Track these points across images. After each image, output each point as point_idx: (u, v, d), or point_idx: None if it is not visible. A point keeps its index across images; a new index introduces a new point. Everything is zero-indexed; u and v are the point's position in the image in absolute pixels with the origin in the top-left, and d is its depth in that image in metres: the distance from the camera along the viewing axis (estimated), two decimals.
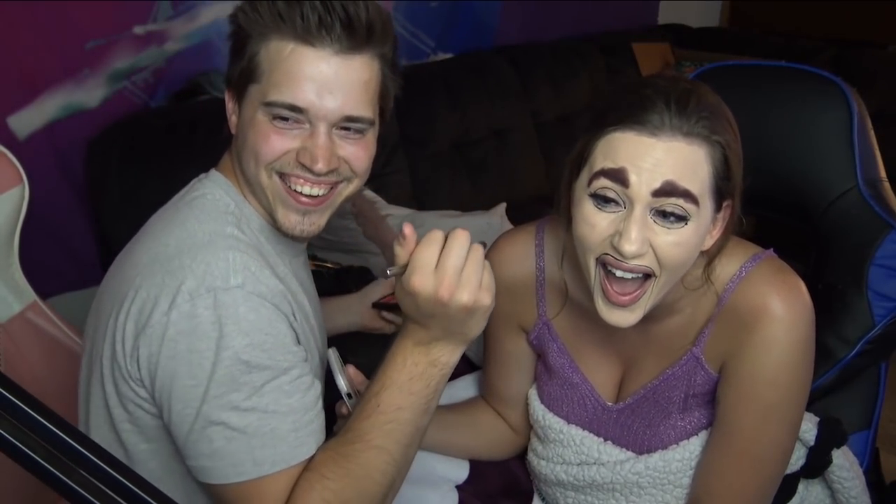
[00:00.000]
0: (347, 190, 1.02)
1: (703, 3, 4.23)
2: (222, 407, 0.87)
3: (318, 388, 0.95)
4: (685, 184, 0.89)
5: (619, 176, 0.89)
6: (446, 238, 0.91)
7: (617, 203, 0.90)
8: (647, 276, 0.92)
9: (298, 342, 0.95)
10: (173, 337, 0.87)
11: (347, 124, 0.97)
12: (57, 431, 0.51)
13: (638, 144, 0.89)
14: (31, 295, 1.48)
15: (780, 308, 0.95)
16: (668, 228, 0.90)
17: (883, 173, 1.23)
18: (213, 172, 1.05)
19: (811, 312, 0.97)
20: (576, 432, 1.11)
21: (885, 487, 1.26)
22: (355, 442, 0.90)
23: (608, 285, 0.93)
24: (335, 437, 0.93)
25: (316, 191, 0.98)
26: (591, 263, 0.94)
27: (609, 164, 0.90)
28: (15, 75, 1.97)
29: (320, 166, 0.94)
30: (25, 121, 2.01)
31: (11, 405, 0.50)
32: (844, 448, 1.10)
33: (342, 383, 0.97)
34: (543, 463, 1.16)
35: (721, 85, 1.29)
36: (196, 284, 0.88)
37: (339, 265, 2.01)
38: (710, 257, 0.98)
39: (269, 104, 0.94)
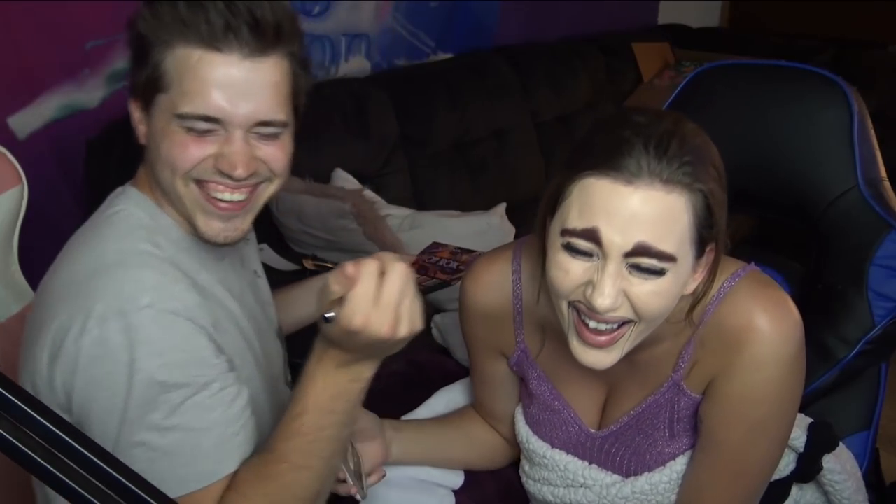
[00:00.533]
0: (269, 191, 0.99)
1: (703, 3, 4.23)
2: (142, 428, 0.86)
3: (244, 396, 0.93)
4: (660, 245, 0.84)
5: (591, 236, 0.85)
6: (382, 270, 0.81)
7: (590, 255, 0.87)
8: (626, 322, 0.89)
9: (222, 352, 0.93)
10: (86, 364, 0.86)
11: (261, 129, 0.94)
12: (56, 431, 0.51)
13: (612, 194, 0.84)
14: (30, 295, 1.48)
15: (766, 325, 0.91)
16: (645, 279, 0.86)
17: (883, 173, 1.22)
18: (128, 187, 1.05)
19: (799, 327, 0.93)
20: (560, 456, 1.09)
21: (884, 488, 1.26)
22: (279, 463, 0.88)
23: (582, 328, 0.90)
24: (258, 455, 0.91)
25: (237, 196, 0.96)
26: (564, 307, 0.91)
27: (581, 224, 0.85)
28: (15, 75, 1.97)
29: (240, 172, 0.92)
30: (25, 121, 2.01)
31: (11, 405, 0.50)
32: (840, 447, 1.10)
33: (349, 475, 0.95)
34: (531, 482, 1.15)
35: (720, 84, 1.30)
36: (105, 308, 0.87)
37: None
38: (695, 299, 0.94)
39: (181, 116, 0.91)
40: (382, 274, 0.79)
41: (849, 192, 1.18)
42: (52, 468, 0.50)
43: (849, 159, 1.18)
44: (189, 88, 0.90)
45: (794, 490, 1.09)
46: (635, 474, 1.04)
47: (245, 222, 0.99)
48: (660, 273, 0.85)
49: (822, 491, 1.10)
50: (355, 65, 2.68)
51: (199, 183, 0.95)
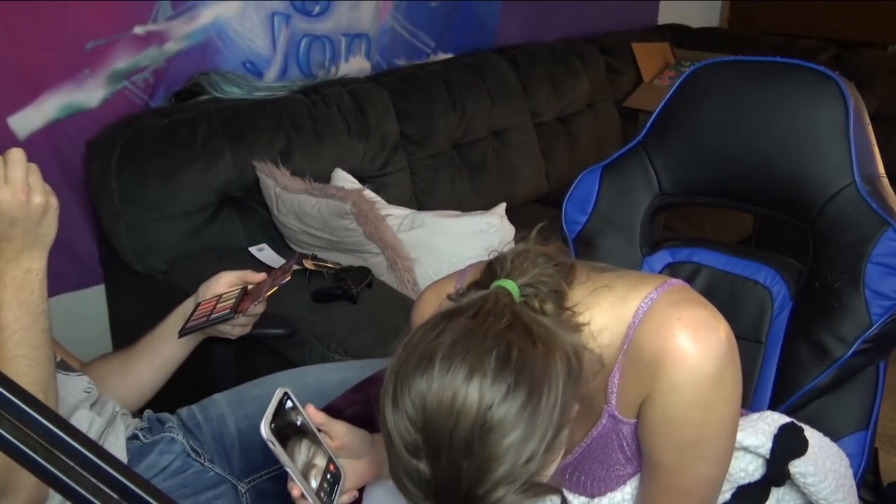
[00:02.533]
0: None
1: (703, 3, 4.23)
2: None
3: None
4: None
5: None
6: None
7: None
8: None
9: None
10: None
11: None
12: (56, 431, 0.51)
13: None
14: None
15: (680, 348, 0.86)
16: None
17: (881, 169, 1.20)
18: None
19: (721, 344, 0.87)
20: None
21: (882, 488, 1.25)
22: None
23: None
24: None
25: None
26: None
27: None
28: (15, 75, 1.97)
29: None
30: (25, 121, 2.02)
31: (11, 405, 0.50)
32: (813, 448, 1.08)
33: (263, 430, 0.89)
34: None
35: (715, 82, 1.29)
36: None
37: (339, 265, 2.01)
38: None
39: None
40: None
41: (845, 188, 1.16)
42: (52, 468, 0.50)
43: (845, 155, 1.16)
44: None
45: (774, 491, 1.09)
46: (600, 495, 1.03)
47: None
48: None
49: (801, 492, 1.10)
50: (355, 65, 2.68)
51: None
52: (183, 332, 1.27)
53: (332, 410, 1.27)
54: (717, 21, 4.30)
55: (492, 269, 0.89)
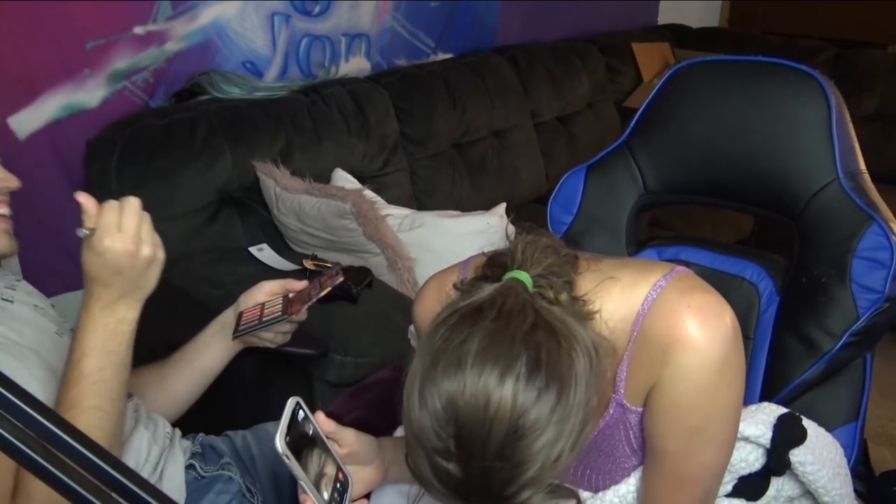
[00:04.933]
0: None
1: (703, 3, 4.23)
2: None
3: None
4: None
5: None
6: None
7: None
8: None
9: None
10: None
11: None
12: (56, 431, 0.51)
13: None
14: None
15: (689, 333, 0.88)
16: None
17: (863, 165, 1.22)
18: None
19: (728, 330, 0.89)
20: None
21: (873, 478, 1.26)
22: (69, 409, 0.95)
23: None
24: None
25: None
26: None
27: None
28: (15, 75, 1.97)
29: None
30: (25, 121, 2.02)
31: (11, 405, 0.50)
32: (811, 438, 1.09)
33: (278, 445, 0.90)
34: None
35: (699, 81, 1.30)
36: None
37: (339, 265, 2.01)
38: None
39: None
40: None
41: (829, 185, 1.18)
42: (52, 468, 0.50)
43: (828, 152, 1.18)
44: None
45: (774, 481, 1.10)
46: (604, 489, 1.04)
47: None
48: None
49: (799, 481, 1.11)
50: (355, 65, 2.68)
51: None
52: (237, 334, 1.28)
53: (331, 416, 1.27)
54: (717, 21, 4.30)
55: (500, 261, 0.89)
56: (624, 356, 0.93)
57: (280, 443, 0.89)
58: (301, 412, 0.95)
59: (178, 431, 1.28)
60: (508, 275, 0.85)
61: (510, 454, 0.75)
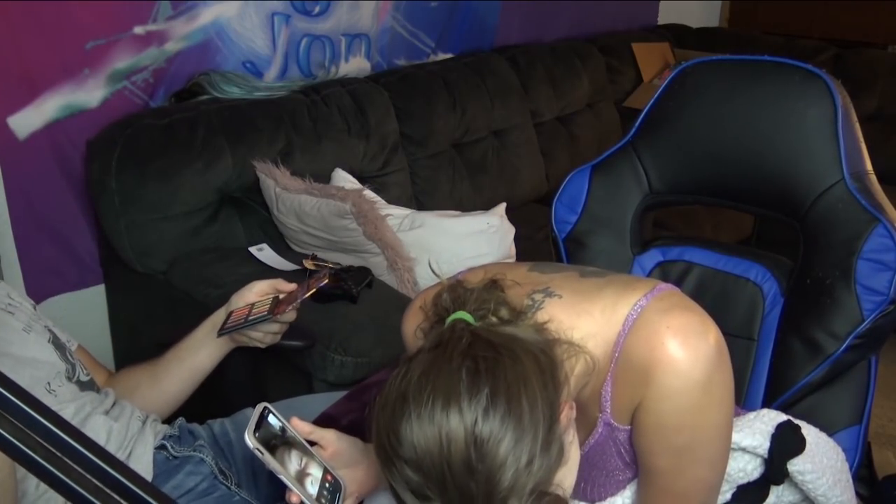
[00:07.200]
0: None
1: (703, 3, 4.23)
2: None
3: None
4: None
5: None
6: None
7: None
8: None
9: None
10: None
11: None
12: (56, 431, 0.51)
13: None
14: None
15: (669, 355, 0.87)
16: None
17: (869, 166, 1.21)
18: None
19: (710, 348, 0.87)
20: None
21: (876, 482, 1.26)
22: None
23: None
24: None
25: None
26: None
27: None
28: (15, 75, 1.97)
29: None
30: (25, 121, 2.01)
31: (11, 405, 0.50)
32: (811, 446, 1.08)
33: (248, 440, 0.91)
34: None
35: (704, 80, 1.29)
36: None
37: (339, 265, 2.01)
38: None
39: None
40: None
41: (835, 185, 1.17)
42: (52, 468, 0.50)
43: (834, 153, 1.17)
44: None
45: (774, 488, 1.09)
46: (601, 500, 1.03)
47: None
48: None
49: (800, 489, 1.10)
50: (355, 65, 2.68)
51: None
52: (222, 332, 1.29)
53: (328, 419, 1.26)
54: (717, 21, 4.30)
55: (438, 314, 0.89)
56: (608, 376, 0.92)
57: (250, 438, 0.90)
58: (271, 416, 0.97)
59: (152, 416, 1.29)
60: (450, 319, 0.85)
61: (478, 466, 0.74)
